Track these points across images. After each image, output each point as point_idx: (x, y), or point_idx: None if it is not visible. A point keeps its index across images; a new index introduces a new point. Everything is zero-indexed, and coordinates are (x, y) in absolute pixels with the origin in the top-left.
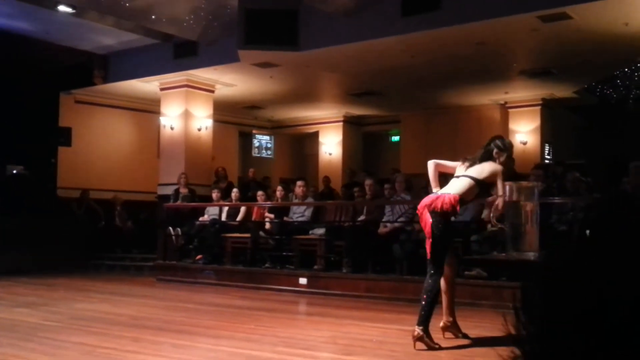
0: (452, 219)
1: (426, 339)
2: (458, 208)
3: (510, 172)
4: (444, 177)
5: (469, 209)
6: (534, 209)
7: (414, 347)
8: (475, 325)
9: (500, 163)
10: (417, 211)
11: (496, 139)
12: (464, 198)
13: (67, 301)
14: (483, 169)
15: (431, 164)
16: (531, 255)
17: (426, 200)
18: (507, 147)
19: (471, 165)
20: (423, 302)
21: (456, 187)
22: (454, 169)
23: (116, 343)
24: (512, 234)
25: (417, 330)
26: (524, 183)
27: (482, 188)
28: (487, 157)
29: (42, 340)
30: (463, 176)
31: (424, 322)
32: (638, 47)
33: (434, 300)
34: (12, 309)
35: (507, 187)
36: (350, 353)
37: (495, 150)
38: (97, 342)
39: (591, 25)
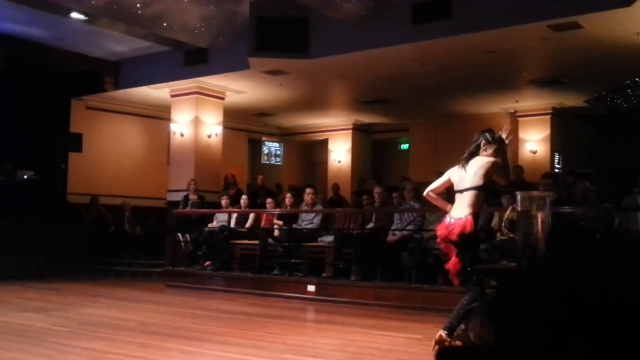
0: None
1: (447, 345)
2: (473, 228)
3: (519, 180)
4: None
5: (480, 217)
6: (546, 219)
7: (433, 349)
8: None
9: (488, 156)
10: (438, 242)
11: (486, 132)
12: (476, 213)
13: (76, 306)
14: (476, 172)
15: (428, 196)
16: None
17: (442, 230)
18: (496, 140)
19: (464, 165)
20: (455, 313)
21: (464, 206)
22: (449, 181)
23: (124, 349)
24: (523, 243)
25: (442, 333)
26: (535, 193)
27: (487, 190)
28: (475, 151)
29: (51, 345)
30: (465, 190)
31: (450, 329)
32: None
33: (466, 314)
34: (21, 314)
35: (519, 197)
36: None
37: (482, 142)
38: (105, 348)
39: (602, 35)
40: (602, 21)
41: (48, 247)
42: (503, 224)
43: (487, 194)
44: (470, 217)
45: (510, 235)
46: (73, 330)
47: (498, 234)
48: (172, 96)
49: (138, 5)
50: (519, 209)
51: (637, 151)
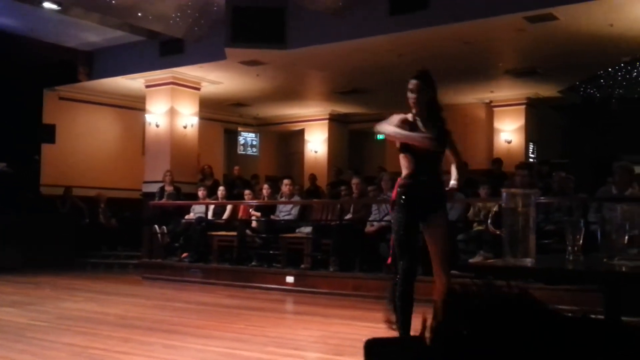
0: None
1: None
2: (397, 190)
3: (497, 171)
4: None
5: (455, 208)
6: (531, 216)
7: None
8: None
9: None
10: None
11: None
12: (402, 178)
13: (53, 300)
14: None
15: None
16: (528, 261)
17: None
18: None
19: None
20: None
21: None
22: None
23: (106, 344)
24: (509, 240)
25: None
26: (521, 190)
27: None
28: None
29: (31, 340)
30: None
31: (400, 330)
32: (622, 48)
33: (399, 307)
34: None
35: (504, 194)
36: (340, 353)
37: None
38: (86, 343)
39: (576, 26)
40: (577, 13)
41: (23, 240)
42: (489, 221)
43: (410, 155)
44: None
45: (497, 232)
46: (52, 325)
47: (475, 225)
48: (147, 87)
49: None
50: (504, 205)
51: (610, 141)
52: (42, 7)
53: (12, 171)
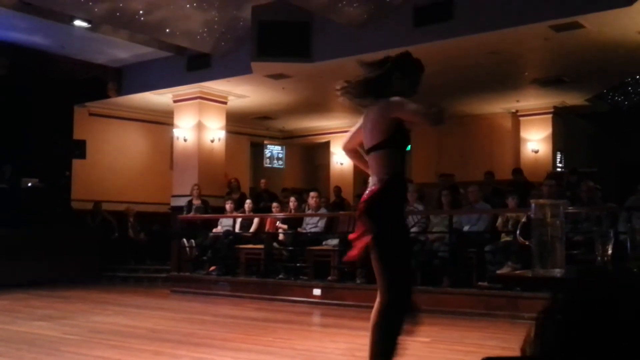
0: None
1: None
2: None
3: (519, 181)
4: None
5: (482, 218)
6: (560, 226)
7: None
8: (492, 337)
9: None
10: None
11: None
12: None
13: (84, 314)
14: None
15: (345, 152)
16: (557, 272)
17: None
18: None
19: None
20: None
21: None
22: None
23: (137, 357)
24: (538, 251)
25: None
26: (550, 201)
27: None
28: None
29: (64, 354)
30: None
31: None
32: None
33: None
34: (31, 323)
35: (533, 206)
36: None
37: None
38: (118, 356)
39: (603, 34)
40: (604, 21)
41: (53, 254)
42: (518, 232)
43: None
44: (374, 187)
45: (526, 243)
46: (84, 338)
47: (502, 235)
48: (175, 101)
49: (141, 12)
50: (533, 216)
51: (639, 149)
52: (73, 25)
53: (44, 186)
